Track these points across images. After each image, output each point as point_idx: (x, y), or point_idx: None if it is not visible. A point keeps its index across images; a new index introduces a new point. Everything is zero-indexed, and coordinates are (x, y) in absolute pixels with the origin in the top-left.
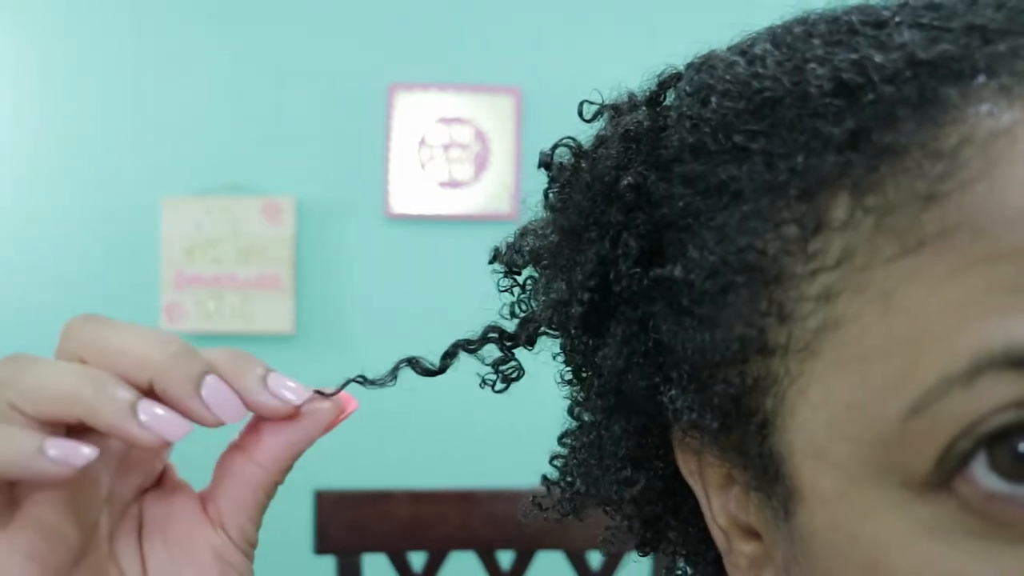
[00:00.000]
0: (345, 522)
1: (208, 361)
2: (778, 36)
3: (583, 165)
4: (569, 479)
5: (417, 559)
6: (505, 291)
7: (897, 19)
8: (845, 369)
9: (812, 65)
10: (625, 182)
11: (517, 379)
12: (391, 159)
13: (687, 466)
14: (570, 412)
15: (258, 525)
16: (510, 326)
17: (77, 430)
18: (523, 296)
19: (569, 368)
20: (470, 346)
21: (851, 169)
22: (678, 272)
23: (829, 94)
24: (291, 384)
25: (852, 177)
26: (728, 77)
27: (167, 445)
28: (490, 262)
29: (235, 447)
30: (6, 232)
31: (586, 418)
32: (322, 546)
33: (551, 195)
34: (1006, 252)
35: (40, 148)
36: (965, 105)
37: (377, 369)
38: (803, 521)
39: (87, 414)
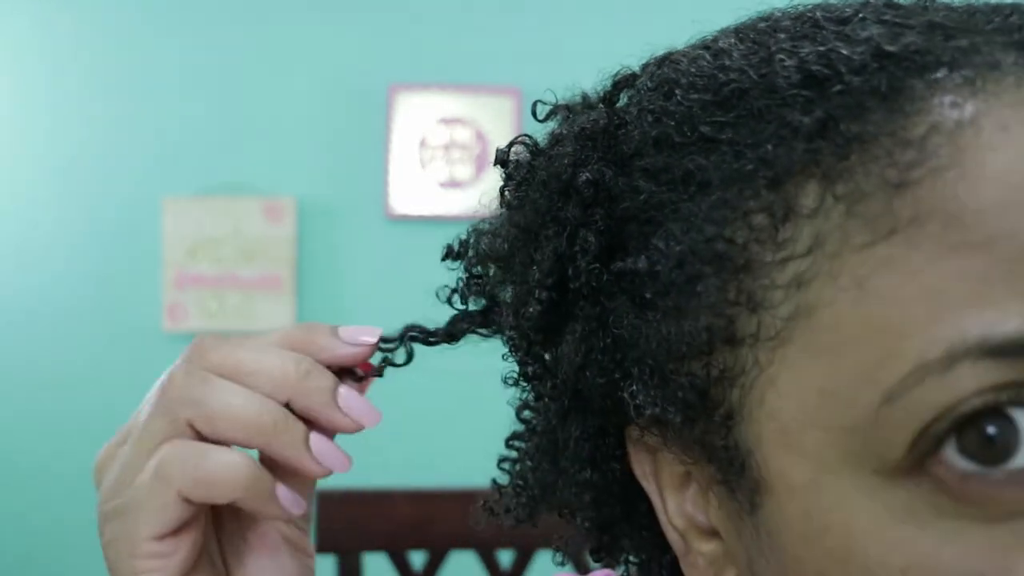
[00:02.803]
0: (346, 521)
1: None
2: (742, 32)
3: (539, 163)
4: (521, 483)
5: (417, 558)
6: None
7: (860, 15)
8: (817, 356)
9: (780, 56)
10: (583, 178)
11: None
12: (391, 159)
13: (640, 467)
14: (518, 414)
15: (310, 503)
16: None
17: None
18: (465, 291)
19: (520, 369)
20: (387, 344)
21: (820, 157)
22: (642, 264)
23: (797, 85)
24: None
25: (821, 166)
26: (693, 70)
27: (323, 475)
28: (443, 259)
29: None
30: (7, 232)
31: (537, 420)
32: (322, 545)
33: (507, 193)
34: (978, 241)
35: (41, 148)
36: (931, 96)
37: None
38: (771, 513)
39: (266, 444)
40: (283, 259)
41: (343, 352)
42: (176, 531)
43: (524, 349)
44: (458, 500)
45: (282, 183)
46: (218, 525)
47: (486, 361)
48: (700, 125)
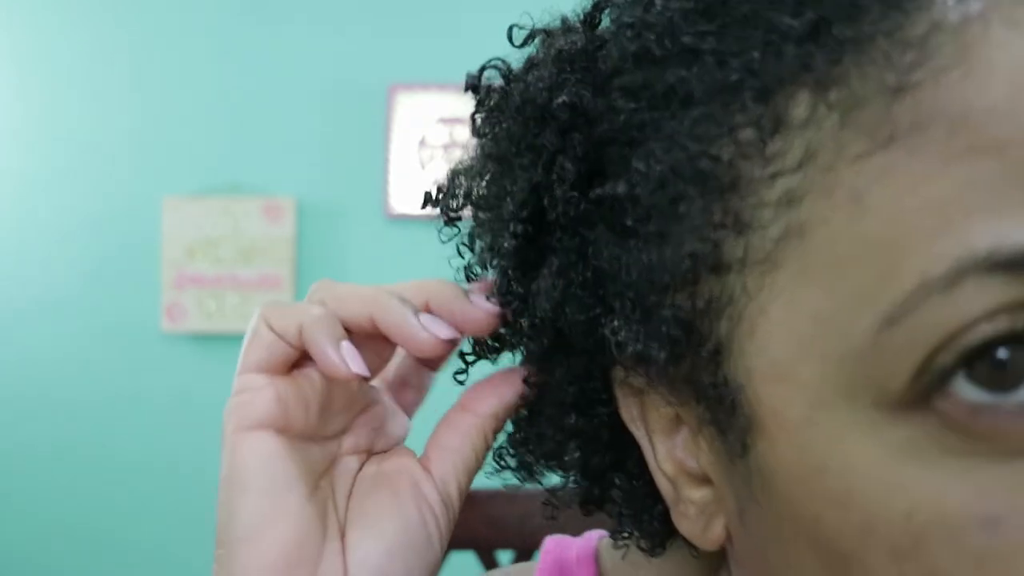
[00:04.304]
0: None
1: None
2: None
3: (513, 88)
4: (517, 435)
5: None
6: (448, 241)
7: None
8: (812, 279)
9: None
10: (560, 101)
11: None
12: (391, 159)
13: (628, 412)
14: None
15: (460, 481)
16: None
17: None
18: (473, 259)
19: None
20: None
21: (812, 63)
22: (621, 188)
23: None
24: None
25: (813, 72)
26: None
27: (442, 346)
28: (422, 207)
29: (455, 405)
30: (6, 232)
31: (524, 364)
32: None
33: (478, 120)
34: (987, 146)
35: (41, 148)
36: None
37: None
38: (763, 453)
39: (378, 311)
40: (283, 259)
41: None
42: (268, 371)
43: (503, 287)
44: None
45: (282, 183)
46: (359, 473)
47: (485, 363)
48: (682, 36)
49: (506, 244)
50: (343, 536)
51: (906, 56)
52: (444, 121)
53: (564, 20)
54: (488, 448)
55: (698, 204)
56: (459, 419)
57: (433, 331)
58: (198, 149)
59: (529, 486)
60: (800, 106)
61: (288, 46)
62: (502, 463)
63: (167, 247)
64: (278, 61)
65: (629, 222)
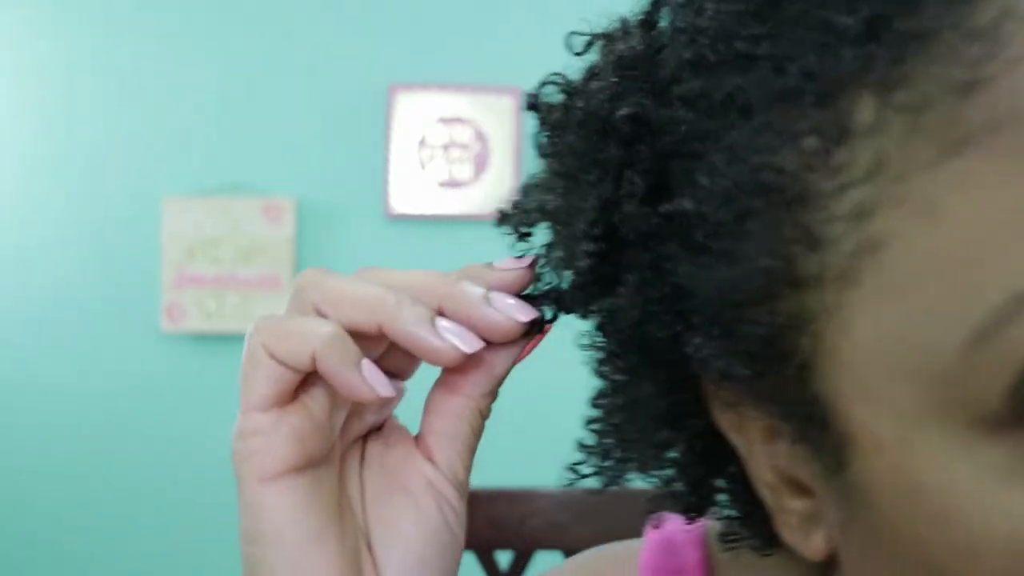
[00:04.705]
0: None
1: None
2: None
3: (575, 102)
4: (606, 444)
5: None
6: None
7: None
8: (891, 296)
9: None
10: (622, 113)
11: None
12: (391, 159)
13: (725, 421)
14: (596, 373)
15: (466, 462)
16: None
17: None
18: (544, 268)
19: (590, 328)
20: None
21: (873, 63)
22: (688, 204)
23: None
24: (512, 302)
25: (875, 73)
26: None
27: (464, 359)
28: (497, 225)
29: (437, 384)
30: (6, 232)
31: (613, 378)
32: None
33: (542, 139)
34: None
35: (40, 148)
36: None
37: None
38: (860, 471)
39: (388, 320)
40: (282, 259)
41: (495, 326)
42: (277, 405)
43: (582, 302)
44: None
45: (282, 183)
46: (363, 468)
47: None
48: (735, 40)
49: (580, 263)
50: (371, 550)
51: (975, 48)
52: (444, 121)
53: (624, 22)
54: (484, 419)
55: (766, 219)
56: (450, 403)
57: (455, 343)
58: (198, 149)
59: (530, 486)
60: (865, 111)
61: (288, 46)
62: (579, 473)
63: (167, 247)
64: (278, 61)
65: (699, 238)
